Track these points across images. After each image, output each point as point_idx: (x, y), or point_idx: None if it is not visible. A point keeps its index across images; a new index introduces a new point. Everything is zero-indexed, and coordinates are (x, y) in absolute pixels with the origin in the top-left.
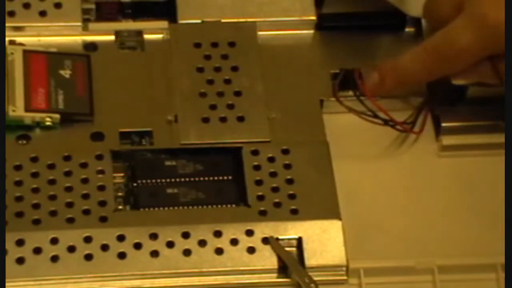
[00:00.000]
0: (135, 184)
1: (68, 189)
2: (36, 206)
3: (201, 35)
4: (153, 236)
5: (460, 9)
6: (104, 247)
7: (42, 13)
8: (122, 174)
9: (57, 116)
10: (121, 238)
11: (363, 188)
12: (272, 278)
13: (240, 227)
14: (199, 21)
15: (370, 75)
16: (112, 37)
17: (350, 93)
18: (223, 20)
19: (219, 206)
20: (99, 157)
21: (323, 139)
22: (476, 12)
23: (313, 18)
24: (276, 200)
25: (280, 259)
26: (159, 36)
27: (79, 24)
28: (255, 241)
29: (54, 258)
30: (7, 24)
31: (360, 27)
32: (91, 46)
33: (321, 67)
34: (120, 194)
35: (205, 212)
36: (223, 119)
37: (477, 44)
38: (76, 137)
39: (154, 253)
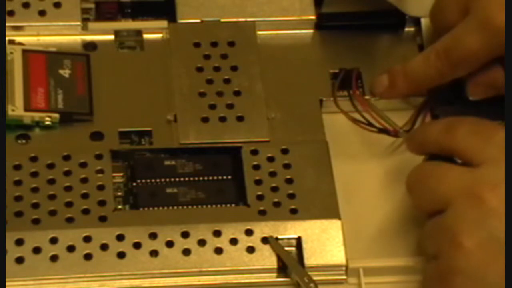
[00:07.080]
0: (134, 184)
1: (68, 188)
2: (35, 206)
3: (200, 34)
4: (153, 236)
5: (466, 13)
6: (104, 247)
7: (42, 13)
8: (121, 174)
9: (56, 115)
10: (120, 237)
11: (363, 188)
12: (272, 277)
13: (240, 226)
14: (198, 20)
15: (380, 78)
16: (112, 37)
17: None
18: (222, 20)
19: (219, 205)
20: (99, 157)
21: (323, 139)
22: (482, 15)
23: (313, 17)
24: (276, 200)
25: (279, 259)
26: (159, 35)
27: (79, 23)
28: (255, 240)
29: (54, 258)
30: (6, 24)
31: (360, 27)
32: (90, 46)
33: (320, 66)
34: (119, 193)
35: (205, 212)
36: (222, 119)
37: (484, 46)
38: (75, 137)
39: (154, 253)
